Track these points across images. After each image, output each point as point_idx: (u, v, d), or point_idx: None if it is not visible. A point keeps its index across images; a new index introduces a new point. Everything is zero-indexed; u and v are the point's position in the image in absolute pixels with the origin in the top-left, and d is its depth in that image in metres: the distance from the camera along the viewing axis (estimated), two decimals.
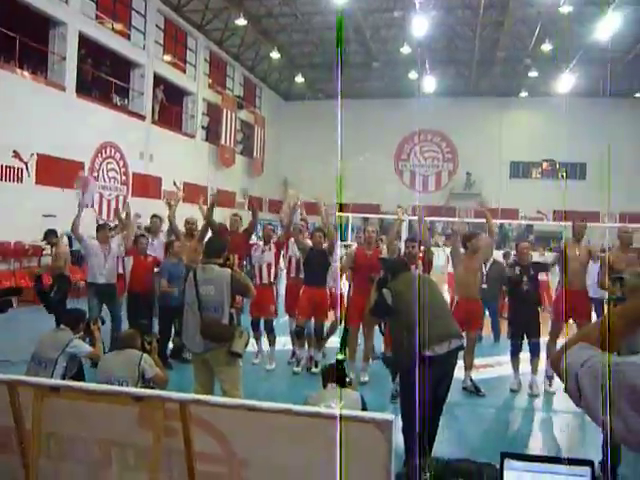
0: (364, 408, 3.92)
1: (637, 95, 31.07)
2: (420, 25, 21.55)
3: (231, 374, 5.15)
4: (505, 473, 2.23)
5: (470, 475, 2.38)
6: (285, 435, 2.51)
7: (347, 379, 4.29)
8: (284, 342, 8.93)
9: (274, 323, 8.60)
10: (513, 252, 11.18)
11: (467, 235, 7.90)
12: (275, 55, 28.17)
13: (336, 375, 4.24)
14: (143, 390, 2.59)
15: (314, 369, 8.00)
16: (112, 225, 11.77)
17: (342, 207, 26.36)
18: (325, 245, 8.34)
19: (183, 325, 5.44)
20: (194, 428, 2.55)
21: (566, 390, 1.27)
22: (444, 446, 5.66)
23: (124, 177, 21.10)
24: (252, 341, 8.11)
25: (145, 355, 4.99)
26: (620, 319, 1.33)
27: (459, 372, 7.69)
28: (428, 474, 2.41)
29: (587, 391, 1.16)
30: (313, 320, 8.31)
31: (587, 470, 2.20)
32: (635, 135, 31.41)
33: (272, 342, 8.50)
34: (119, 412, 2.62)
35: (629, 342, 4.53)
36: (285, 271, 9.58)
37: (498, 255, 12.51)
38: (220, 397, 2.54)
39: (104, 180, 19.92)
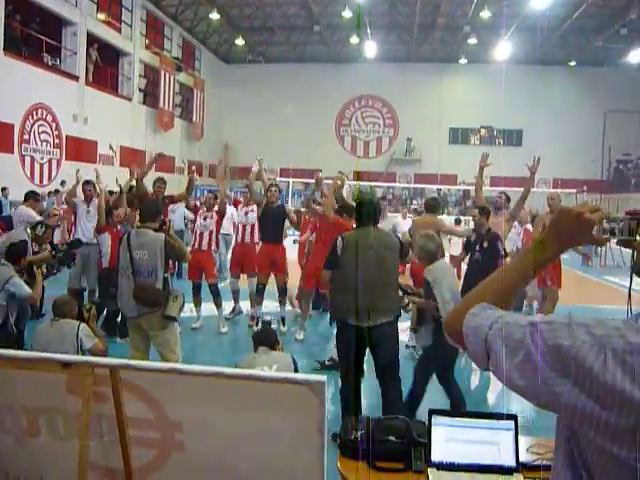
0: (296, 370, 3.98)
1: (571, 63, 31.76)
2: None
3: (166, 338, 5.12)
4: (433, 429, 2.30)
5: (400, 431, 2.44)
6: (218, 398, 2.50)
7: (278, 342, 4.27)
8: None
9: (218, 287, 8.55)
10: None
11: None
12: (215, 16, 27.48)
13: (267, 337, 4.22)
14: (71, 356, 2.52)
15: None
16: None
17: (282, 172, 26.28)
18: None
19: (118, 290, 5.32)
20: (125, 393, 2.51)
21: (469, 354, 1.23)
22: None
23: (57, 140, 20.37)
24: (191, 306, 8.13)
25: (82, 325, 4.83)
26: (514, 273, 1.34)
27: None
28: (359, 432, 2.45)
29: (498, 354, 1.14)
30: (274, 276, 8.42)
31: (511, 423, 2.28)
32: (570, 102, 32.22)
33: (219, 305, 8.45)
34: (47, 379, 2.55)
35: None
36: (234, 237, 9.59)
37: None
38: (151, 361, 2.50)
39: (35, 143, 19.19)
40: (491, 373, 1.19)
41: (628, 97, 30.89)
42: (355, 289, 4.39)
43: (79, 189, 9.18)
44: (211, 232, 8.52)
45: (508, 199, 8.06)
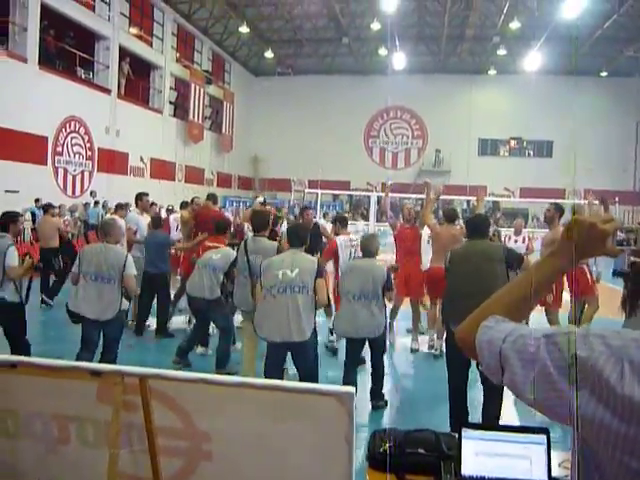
0: (319, 275, 5.07)
1: (602, 74, 31.38)
2: (390, 0, 21.40)
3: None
4: (463, 442, 2.26)
5: (430, 444, 2.41)
6: (246, 408, 2.50)
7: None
8: None
9: None
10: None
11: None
12: (244, 29, 27.77)
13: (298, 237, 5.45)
14: (102, 365, 2.54)
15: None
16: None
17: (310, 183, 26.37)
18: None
19: (235, 287, 6.19)
20: (154, 402, 2.52)
21: (483, 367, 1.21)
22: (402, 417, 5.74)
23: (89, 152, 20.73)
24: None
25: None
26: (527, 285, 1.30)
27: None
28: (388, 445, 2.42)
29: (514, 367, 1.12)
30: None
31: (543, 438, 2.24)
32: (600, 113, 31.83)
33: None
34: (77, 387, 2.58)
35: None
36: None
37: None
38: (179, 372, 2.51)
39: (68, 155, 19.54)
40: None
41: None
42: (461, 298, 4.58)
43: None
44: None
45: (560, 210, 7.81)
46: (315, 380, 5.09)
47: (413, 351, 7.97)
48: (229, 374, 6.02)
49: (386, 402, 5.87)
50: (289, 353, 5.24)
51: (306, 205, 9.21)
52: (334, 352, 7.54)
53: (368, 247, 5.91)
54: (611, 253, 1.25)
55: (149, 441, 2.55)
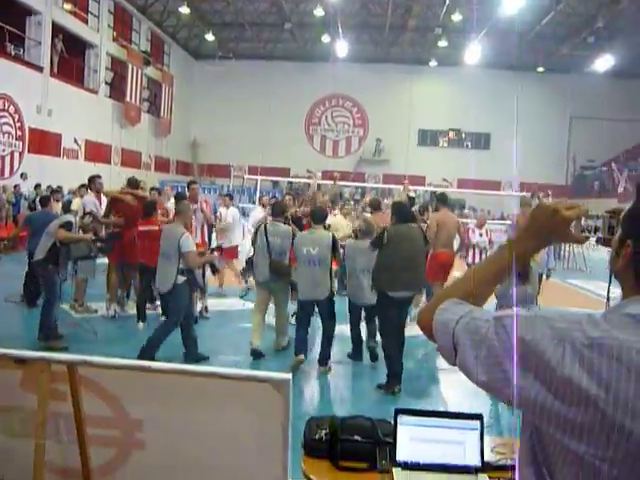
0: (334, 247, 6.69)
1: (539, 69, 32.22)
2: None
3: (285, 298, 7.41)
4: (399, 428, 2.27)
5: (365, 431, 2.41)
6: (181, 396, 2.45)
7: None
8: None
9: None
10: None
11: None
12: (184, 10, 27.14)
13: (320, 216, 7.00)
14: (27, 352, 2.43)
15: None
16: None
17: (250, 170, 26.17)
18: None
19: (254, 263, 7.24)
20: (83, 391, 2.44)
21: (438, 348, 1.23)
22: (340, 405, 5.78)
23: (19, 132, 19.90)
24: None
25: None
26: (487, 270, 1.32)
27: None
28: (324, 432, 2.41)
29: (464, 348, 1.13)
30: None
31: (477, 423, 2.27)
32: (536, 108, 32.73)
33: None
34: (1, 375, 2.46)
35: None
36: None
37: None
38: (110, 358, 2.43)
39: None
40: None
41: (593, 104, 31.50)
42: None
43: None
44: None
45: None
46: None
47: None
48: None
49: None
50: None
51: (192, 180, 9.52)
52: None
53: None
54: (575, 240, 1.26)
55: (78, 430, 2.46)
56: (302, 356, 6.53)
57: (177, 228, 6.65)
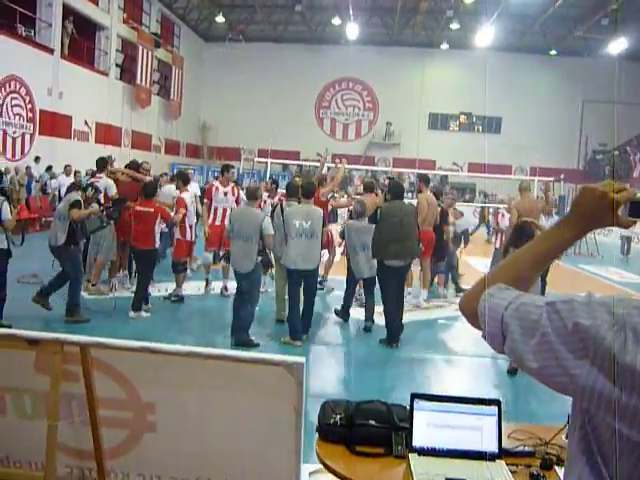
0: (324, 223, 7.27)
1: (552, 52, 31.84)
2: None
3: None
4: (415, 413, 2.24)
5: (381, 416, 2.38)
6: (193, 379, 2.43)
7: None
8: None
9: None
10: None
11: None
12: None
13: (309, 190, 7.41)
14: (40, 333, 2.42)
15: None
16: None
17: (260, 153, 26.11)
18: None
19: (276, 242, 7.05)
20: (96, 372, 2.43)
21: (484, 335, 1.18)
22: (356, 388, 5.78)
23: (30, 114, 19.86)
24: None
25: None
26: (533, 255, 1.27)
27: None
28: (339, 416, 2.39)
29: (514, 335, 1.09)
30: None
31: (494, 409, 2.24)
32: (549, 91, 32.39)
33: None
34: (13, 356, 2.45)
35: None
36: None
37: None
38: (123, 340, 2.41)
39: (8, 116, 18.71)
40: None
41: (606, 88, 31.04)
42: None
43: None
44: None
45: None
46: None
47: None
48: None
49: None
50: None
51: (228, 164, 9.86)
52: None
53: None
54: (623, 224, 1.20)
55: (90, 412, 2.45)
56: (299, 342, 6.86)
57: (256, 211, 7.08)
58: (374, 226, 7.23)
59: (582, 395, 1.02)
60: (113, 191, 8.76)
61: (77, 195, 7.54)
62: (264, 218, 6.79)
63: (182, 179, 9.39)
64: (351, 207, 8.95)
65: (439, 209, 9.67)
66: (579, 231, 1.23)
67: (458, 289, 10.47)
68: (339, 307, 8.27)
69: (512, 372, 6.37)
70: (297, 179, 10.19)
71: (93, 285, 8.79)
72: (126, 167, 9.82)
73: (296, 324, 6.89)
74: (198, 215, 9.65)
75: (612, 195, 1.18)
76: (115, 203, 8.34)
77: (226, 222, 8.25)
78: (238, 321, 6.79)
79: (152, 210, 7.78)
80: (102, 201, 8.41)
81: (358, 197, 9.74)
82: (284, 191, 8.85)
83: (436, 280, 10.44)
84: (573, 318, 1.02)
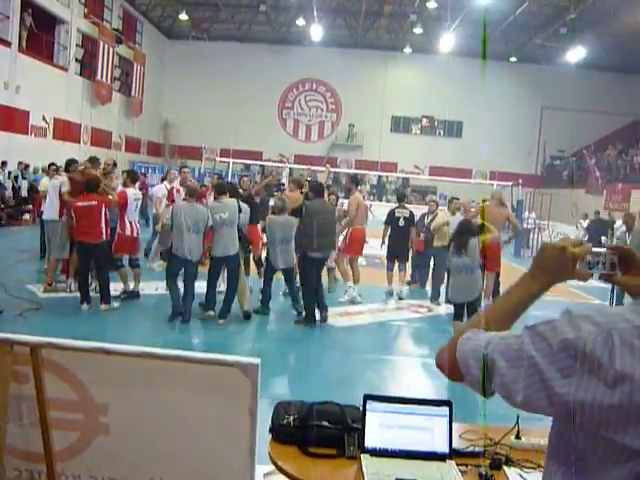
0: (240, 211, 7.96)
1: (512, 59, 32.40)
2: None
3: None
4: (368, 414, 2.26)
5: (334, 417, 2.39)
6: (146, 379, 2.41)
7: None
8: None
9: None
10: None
11: None
12: None
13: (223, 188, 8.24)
14: None
15: None
16: None
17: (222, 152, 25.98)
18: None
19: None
20: (46, 373, 2.38)
21: (468, 380, 1.18)
22: (312, 390, 5.78)
23: None
24: None
25: None
26: (501, 308, 1.30)
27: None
28: (292, 417, 2.39)
29: (502, 370, 1.09)
30: None
31: (445, 410, 2.27)
32: (509, 97, 32.95)
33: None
34: None
35: None
36: None
37: None
38: (74, 340, 2.37)
39: None
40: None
41: (565, 95, 31.79)
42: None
43: None
44: None
45: None
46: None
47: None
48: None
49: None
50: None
51: (184, 164, 10.03)
52: None
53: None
54: (582, 277, 1.24)
55: (40, 414, 2.41)
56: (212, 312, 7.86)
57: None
58: (296, 221, 8.00)
59: (570, 413, 1.02)
60: (65, 188, 8.63)
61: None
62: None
63: (131, 177, 9.45)
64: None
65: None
66: (544, 285, 1.26)
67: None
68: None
69: None
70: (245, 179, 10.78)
71: (49, 284, 8.66)
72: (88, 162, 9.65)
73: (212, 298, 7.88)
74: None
75: (570, 249, 1.22)
76: (20, 204, 8.34)
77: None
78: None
79: (94, 203, 7.87)
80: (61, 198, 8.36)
81: (279, 194, 10.13)
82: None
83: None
84: (558, 336, 1.04)
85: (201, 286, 8.05)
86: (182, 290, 7.79)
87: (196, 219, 7.56)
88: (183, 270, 7.79)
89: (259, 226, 9.57)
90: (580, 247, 1.23)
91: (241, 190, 9.58)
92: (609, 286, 10.85)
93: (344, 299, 9.62)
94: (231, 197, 8.17)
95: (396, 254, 10.23)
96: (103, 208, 7.97)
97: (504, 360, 1.09)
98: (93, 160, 9.55)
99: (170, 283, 7.83)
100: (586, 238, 16.55)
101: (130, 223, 8.88)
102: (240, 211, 7.91)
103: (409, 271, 11.15)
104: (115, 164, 9.97)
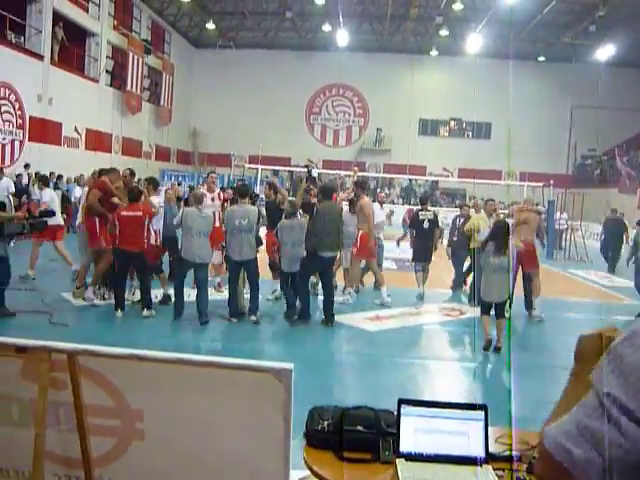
0: (259, 219, 8.32)
1: (540, 59, 32.06)
2: None
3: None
4: (402, 419, 2.25)
5: (368, 422, 2.39)
6: (181, 386, 2.42)
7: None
8: None
9: None
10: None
11: None
12: None
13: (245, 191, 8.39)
14: (27, 341, 2.41)
15: None
16: None
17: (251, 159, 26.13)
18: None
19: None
20: (84, 380, 2.42)
21: (573, 466, 0.94)
22: (345, 394, 5.78)
23: (20, 120, 19.82)
24: None
25: None
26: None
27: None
28: (326, 422, 2.39)
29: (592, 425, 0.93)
30: None
31: (481, 414, 2.25)
32: (537, 97, 32.58)
33: None
34: (0, 364, 2.44)
35: None
36: None
37: None
38: (111, 347, 2.40)
39: None
40: None
41: (594, 93, 31.31)
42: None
43: None
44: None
45: None
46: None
47: None
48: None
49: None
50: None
51: (211, 170, 11.72)
52: None
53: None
54: None
55: (78, 420, 2.45)
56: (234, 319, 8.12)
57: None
58: (306, 223, 8.24)
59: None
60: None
61: (5, 198, 7.91)
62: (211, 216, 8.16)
63: (152, 184, 9.54)
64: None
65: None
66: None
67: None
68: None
69: (486, 348, 7.10)
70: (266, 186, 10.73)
71: (77, 288, 8.83)
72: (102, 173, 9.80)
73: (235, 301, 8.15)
74: None
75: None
76: (42, 215, 8.48)
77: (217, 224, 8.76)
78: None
79: (140, 213, 8.08)
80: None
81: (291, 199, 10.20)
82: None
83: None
84: (628, 367, 0.92)
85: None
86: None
87: (207, 223, 8.03)
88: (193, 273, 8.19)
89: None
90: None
91: (264, 196, 9.84)
92: None
93: (377, 302, 9.66)
94: (252, 204, 8.45)
95: (421, 256, 10.34)
96: (147, 218, 8.19)
97: (591, 419, 0.94)
98: (111, 171, 9.69)
99: (177, 285, 8.14)
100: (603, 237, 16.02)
101: (155, 232, 9.00)
102: (260, 219, 8.31)
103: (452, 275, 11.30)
104: (133, 173, 10.06)
